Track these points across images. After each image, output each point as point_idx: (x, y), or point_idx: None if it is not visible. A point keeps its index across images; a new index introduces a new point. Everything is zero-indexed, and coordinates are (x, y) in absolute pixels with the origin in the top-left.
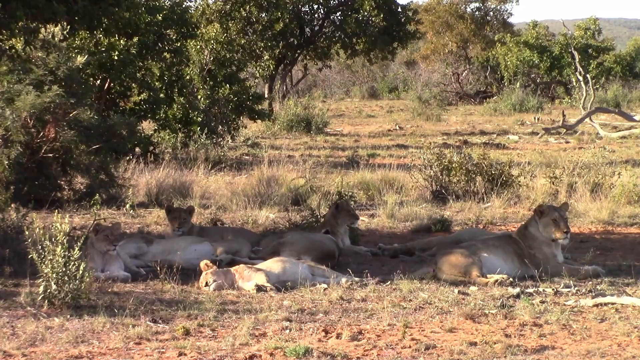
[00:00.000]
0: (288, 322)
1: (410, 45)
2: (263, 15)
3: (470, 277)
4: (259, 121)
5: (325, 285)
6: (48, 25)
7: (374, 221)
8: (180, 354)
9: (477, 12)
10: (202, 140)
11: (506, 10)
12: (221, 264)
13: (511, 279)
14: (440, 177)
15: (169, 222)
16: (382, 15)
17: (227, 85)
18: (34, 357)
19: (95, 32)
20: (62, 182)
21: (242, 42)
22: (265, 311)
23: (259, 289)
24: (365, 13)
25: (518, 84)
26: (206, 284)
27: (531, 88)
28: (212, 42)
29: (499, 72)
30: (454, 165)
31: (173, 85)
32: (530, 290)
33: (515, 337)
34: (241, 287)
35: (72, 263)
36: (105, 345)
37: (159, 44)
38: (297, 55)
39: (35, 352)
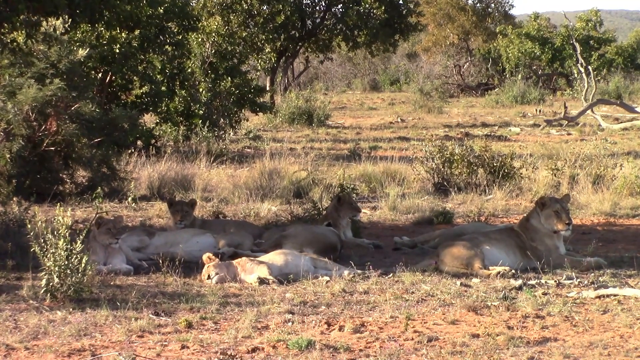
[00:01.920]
0: (290, 315)
1: (412, 37)
2: (264, 7)
3: (473, 269)
4: (260, 114)
5: (327, 278)
6: (49, 19)
7: (376, 214)
8: (182, 347)
9: (478, 4)
10: (203, 133)
11: (507, 2)
12: (223, 257)
13: (513, 271)
14: (442, 169)
15: (171, 215)
16: (383, 8)
17: (229, 78)
18: (37, 350)
19: (96, 25)
20: (64, 176)
21: (244, 34)
22: (268, 304)
23: (262, 281)
24: (367, 5)
25: (520, 76)
26: (208, 277)
27: (533, 80)
28: (213, 34)
29: (500, 64)
30: (455, 158)
31: (175, 78)
32: (533, 282)
33: (517, 329)
34: (243, 279)
35: (75, 256)
36: (107, 338)
37: (161, 36)
38: (298, 47)
39: (38, 345)
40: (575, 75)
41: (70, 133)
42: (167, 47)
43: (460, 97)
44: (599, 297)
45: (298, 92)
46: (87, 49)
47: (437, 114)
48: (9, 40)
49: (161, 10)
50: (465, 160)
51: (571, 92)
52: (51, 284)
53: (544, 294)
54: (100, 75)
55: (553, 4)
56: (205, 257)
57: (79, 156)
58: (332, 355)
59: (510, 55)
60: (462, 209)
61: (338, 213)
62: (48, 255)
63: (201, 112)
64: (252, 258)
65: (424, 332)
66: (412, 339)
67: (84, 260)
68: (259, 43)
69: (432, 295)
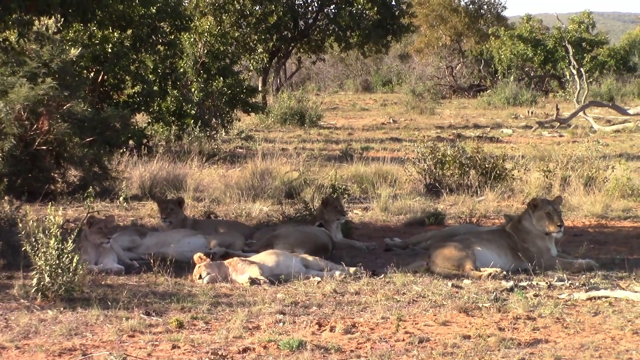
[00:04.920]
0: (281, 315)
1: (404, 38)
2: (257, 8)
3: (464, 270)
4: (252, 114)
5: (318, 279)
6: (42, 18)
7: (368, 214)
8: (173, 347)
9: (471, 6)
10: (195, 133)
11: (500, 4)
12: (215, 257)
13: (505, 273)
14: (434, 170)
15: (159, 212)
16: (376, 9)
17: (221, 78)
18: (28, 349)
19: (89, 24)
20: (55, 175)
21: (236, 35)
22: (259, 304)
23: (253, 281)
24: (359, 6)
25: (512, 77)
26: (200, 277)
27: (525, 82)
28: (205, 34)
29: (492, 66)
30: (447, 159)
31: (167, 78)
32: (524, 283)
33: (508, 330)
34: (235, 280)
35: (66, 256)
36: (98, 337)
37: (153, 36)
38: (290, 48)
39: (29, 344)
40: (568, 77)
41: (62, 132)
42: (159, 46)
43: (452, 99)
44: (590, 299)
45: (290, 92)
46: (80, 49)
47: (429, 115)
48: (1, 39)
49: (153, 10)
50: (457, 161)
51: (563, 94)
52: (42, 283)
53: (535, 295)
54: (92, 74)
55: (545, 5)
56: (196, 257)
57: (71, 155)
58: (323, 356)
59: (502, 56)
60: (454, 210)
61: (323, 215)
62: (39, 255)
63: (193, 112)
64: (243, 258)
65: (415, 333)
66: (403, 340)
67: (75, 260)
68: (251, 43)
69: (424, 297)
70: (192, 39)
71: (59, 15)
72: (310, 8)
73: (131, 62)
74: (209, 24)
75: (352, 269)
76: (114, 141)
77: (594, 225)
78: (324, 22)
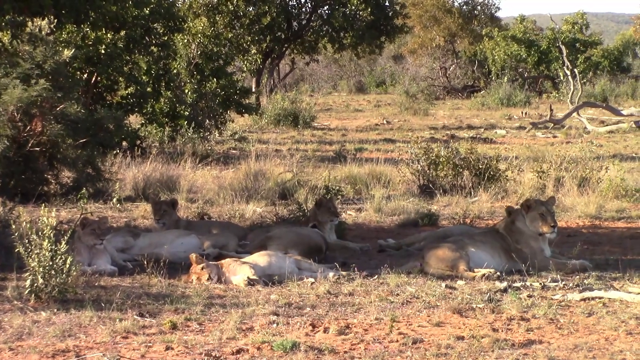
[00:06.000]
0: (275, 317)
1: (398, 39)
2: (250, 9)
3: (458, 271)
4: (246, 115)
5: (312, 280)
6: (35, 19)
7: (361, 215)
8: (167, 348)
9: (464, 6)
10: (189, 134)
11: (494, 4)
12: (208, 258)
13: (498, 273)
14: (428, 171)
15: (152, 214)
16: (369, 9)
17: (214, 79)
18: (21, 351)
19: (82, 25)
20: (49, 176)
21: (230, 36)
22: (253, 305)
23: (250, 282)
24: (353, 7)
25: (505, 78)
26: (209, 277)
27: (519, 82)
28: (199, 35)
29: (486, 67)
30: (441, 160)
31: (160, 79)
32: (518, 284)
33: (502, 331)
34: (228, 280)
35: (59, 257)
36: (92, 339)
37: (146, 37)
38: (284, 49)
39: (22, 346)
40: (561, 77)
41: (56, 134)
42: (152, 48)
43: (446, 99)
44: (584, 299)
45: (284, 93)
46: (73, 50)
47: (422, 116)
48: None
49: (147, 11)
50: (451, 162)
51: (557, 95)
52: (35, 284)
53: (529, 296)
54: (85, 75)
55: (539, 6)
56: (193, 256)
57: (64, 157)
58: (317, 357)
59: (496, 57)
60: (448, 211)
61: (317, 217)
62: (32, 256)
63: (187, 113)
64: (236, 259)
65: (409, 334)
66: (397, 340)
67: (68, 261)
68: (244, 44)
69: (417, 297)
70: (185, 40)
71: (52, 17)
72: (303, 9)
73: (124, 63)
74: (202, 25)
75: (331, 273)
76: (107, 142)
77: (588, 225)
78: (318, 23)
